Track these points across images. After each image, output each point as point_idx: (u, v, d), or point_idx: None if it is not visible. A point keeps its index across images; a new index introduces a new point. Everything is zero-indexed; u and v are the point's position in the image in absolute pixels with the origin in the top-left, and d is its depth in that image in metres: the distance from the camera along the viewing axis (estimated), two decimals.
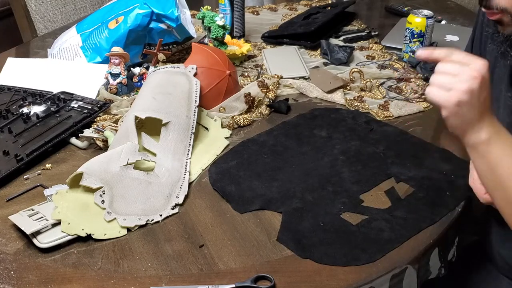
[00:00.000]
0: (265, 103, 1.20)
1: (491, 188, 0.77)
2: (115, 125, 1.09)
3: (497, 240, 0.99)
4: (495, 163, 0.74)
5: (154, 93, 1.06)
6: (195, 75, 1.11)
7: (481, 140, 0.74)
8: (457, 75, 0.70)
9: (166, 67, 1.14)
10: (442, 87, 0.71)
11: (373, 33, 1.60)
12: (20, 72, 1.34)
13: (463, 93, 0.70)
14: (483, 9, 0.80)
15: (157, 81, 1.10)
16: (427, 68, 1.33)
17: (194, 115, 1.06)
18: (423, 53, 0.73)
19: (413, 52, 1.37)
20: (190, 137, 1.03)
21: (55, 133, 1.06)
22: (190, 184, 0.96)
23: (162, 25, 1.34)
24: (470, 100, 0.70)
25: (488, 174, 0.76)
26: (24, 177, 0.99)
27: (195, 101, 1.07)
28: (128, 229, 0.86)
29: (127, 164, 0.93)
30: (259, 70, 1.39)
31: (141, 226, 0.87)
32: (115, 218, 0.86)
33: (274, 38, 1.56)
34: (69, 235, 0.82)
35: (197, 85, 1.09)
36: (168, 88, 1.07)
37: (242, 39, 1.51)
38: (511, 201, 0.75)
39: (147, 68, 1.30)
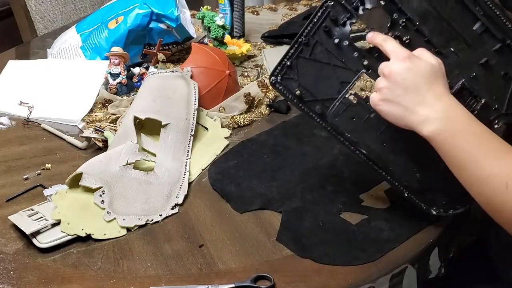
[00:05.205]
0: (265, 103, 1.20)
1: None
2: (114, 125, 1.08)
3: (496, 240, 0.99)
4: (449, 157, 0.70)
5: (154, 95, 1.06)
6: (191, 77, 1.11)
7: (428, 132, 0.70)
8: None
9: (162, 72, 1.13)
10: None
11: None
12: (20, 74, 1.34)
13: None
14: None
15: (156, 85, 1.10)
16: None
17: (193, 118, 1.05)
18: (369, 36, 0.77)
19: None
20: (190, 138, 1.03)
21: None
22: (189, 184, 0.96)
23: (162, 25, 1.34)
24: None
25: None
26: (24, 177, 0.99)
27: (194, 104, 1.07)
28: (128, 229, 0.86)
29: (127, 164, 0.93)
30: (259, 70, 1.38)
31: (140, 226, 0.87)
32: (114, 218, 0.86)
33: (274, 38, 1.56)
34: (68, 235, 0.82)
35: (195, 88, 1.09)
36: (168, 92, 1.07)
37: (242, 39, 1.51)
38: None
39: (147, 68, 1.30)
